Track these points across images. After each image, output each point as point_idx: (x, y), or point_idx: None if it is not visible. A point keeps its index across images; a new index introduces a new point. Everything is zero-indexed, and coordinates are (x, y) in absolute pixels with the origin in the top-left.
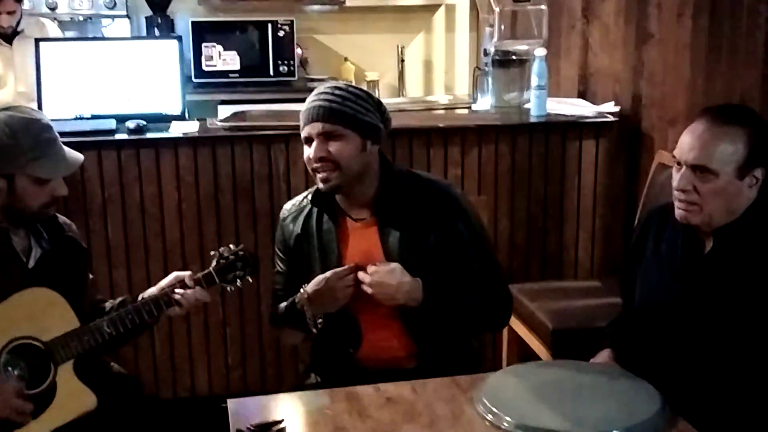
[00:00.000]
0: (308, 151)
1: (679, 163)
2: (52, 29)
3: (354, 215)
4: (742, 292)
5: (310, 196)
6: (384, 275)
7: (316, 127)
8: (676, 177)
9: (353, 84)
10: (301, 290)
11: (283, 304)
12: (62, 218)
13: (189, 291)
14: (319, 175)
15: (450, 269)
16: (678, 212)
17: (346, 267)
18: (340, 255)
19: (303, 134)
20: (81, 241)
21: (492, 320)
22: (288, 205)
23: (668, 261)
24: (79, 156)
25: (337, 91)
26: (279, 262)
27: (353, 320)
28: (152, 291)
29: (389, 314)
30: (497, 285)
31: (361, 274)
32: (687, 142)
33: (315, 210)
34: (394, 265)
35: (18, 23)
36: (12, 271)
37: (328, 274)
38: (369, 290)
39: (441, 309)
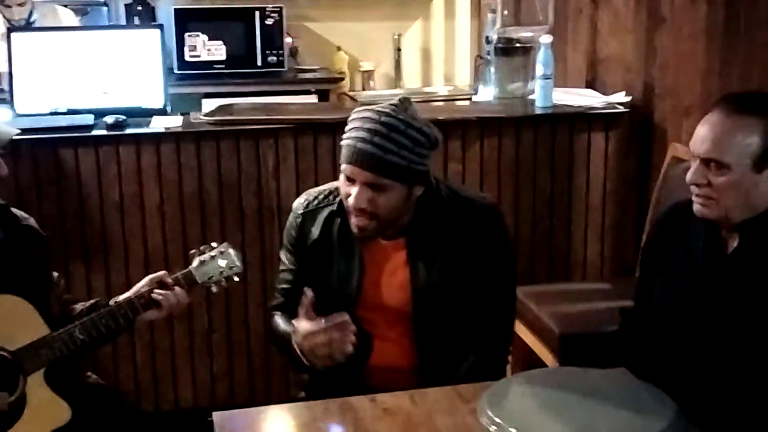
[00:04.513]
0: (346, 189)
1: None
2: (67, 17)
3: (384, 233)
4: None
5: (334, 201)
6: None
7: (361, 176)
8: (690, 170)
9: (413, 117)
10: (293, 336)
11: (282, 326)
12: (17, 211)
13: (168, 291)
14: (353, 220)
15: (471, 296)
16: (695, 206)
17: (345, 319)
18: (362, 273)
19: (344, 172)
20: (39, 229)
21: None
22: (302, 200)
23: (690, 261)
24: (10, 130)
25: (393, 134)
26: (286, 259)
27: (365, 335)
28: (128, 294)
29: (401, 331)
30: (502, 338)
31: None
32: (700, 134)
33: (339, 218)
34: None
35: (30, 14)
36: None
37: (323, 325)
38: None
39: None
